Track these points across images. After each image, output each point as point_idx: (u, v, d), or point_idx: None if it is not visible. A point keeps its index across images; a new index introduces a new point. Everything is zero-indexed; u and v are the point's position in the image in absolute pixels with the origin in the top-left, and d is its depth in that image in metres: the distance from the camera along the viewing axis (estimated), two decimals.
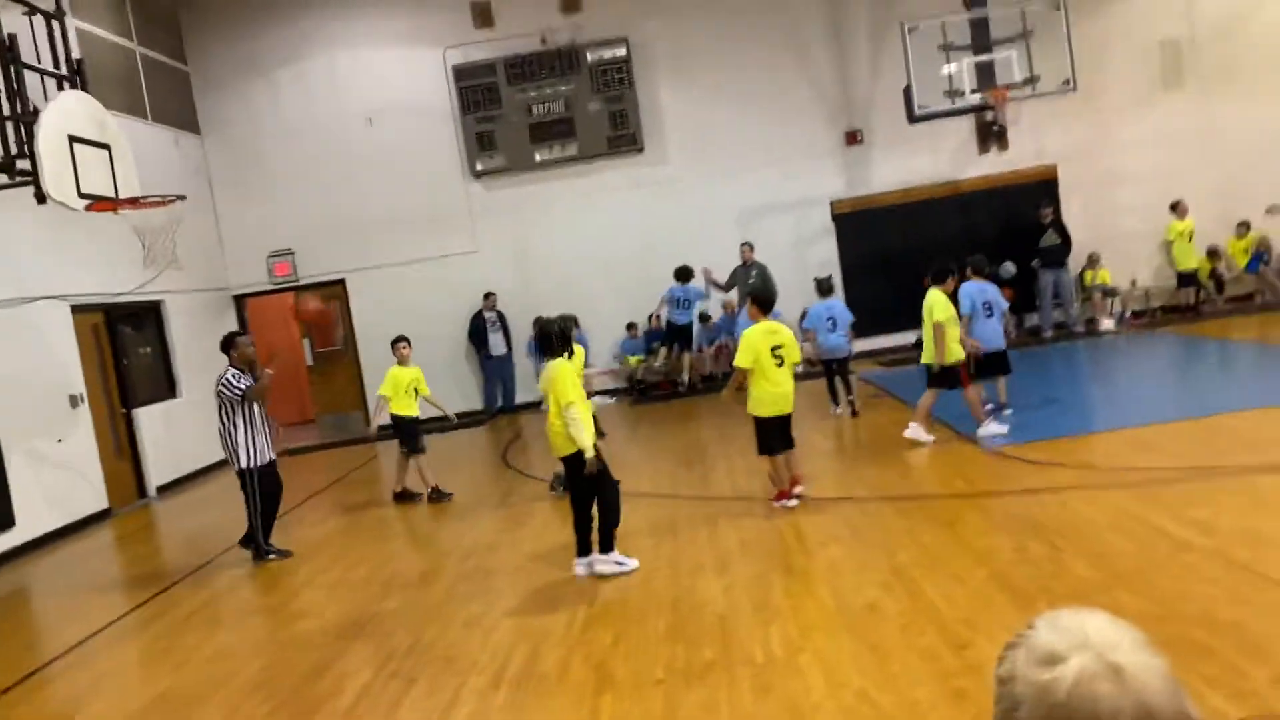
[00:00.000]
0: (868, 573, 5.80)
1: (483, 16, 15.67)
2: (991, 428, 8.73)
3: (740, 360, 7.50)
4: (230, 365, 8.26)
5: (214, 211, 15.97)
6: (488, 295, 15.67)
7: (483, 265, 15.82)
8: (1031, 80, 12.79)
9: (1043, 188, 15.30)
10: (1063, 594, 4.93)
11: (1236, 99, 15.22)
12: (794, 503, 7.53)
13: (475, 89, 15.54)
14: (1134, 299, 15.44)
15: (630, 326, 15.52)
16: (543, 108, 15.51)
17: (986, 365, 9.23)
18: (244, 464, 8.19)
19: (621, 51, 15.42)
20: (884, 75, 15.06)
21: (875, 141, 15.60)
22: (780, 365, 7.44)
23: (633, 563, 6.57)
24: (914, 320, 14.96)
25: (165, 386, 13.81)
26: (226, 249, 16.06)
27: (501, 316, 15.72)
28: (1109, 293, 15.24)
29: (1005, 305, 9.81)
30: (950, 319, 8.82)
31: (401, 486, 10.13)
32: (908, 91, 13.06)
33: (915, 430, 9.01)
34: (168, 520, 11.62)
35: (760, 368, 7.40)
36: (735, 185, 15.55)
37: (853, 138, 15.65)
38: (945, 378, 8.87)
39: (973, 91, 12.84)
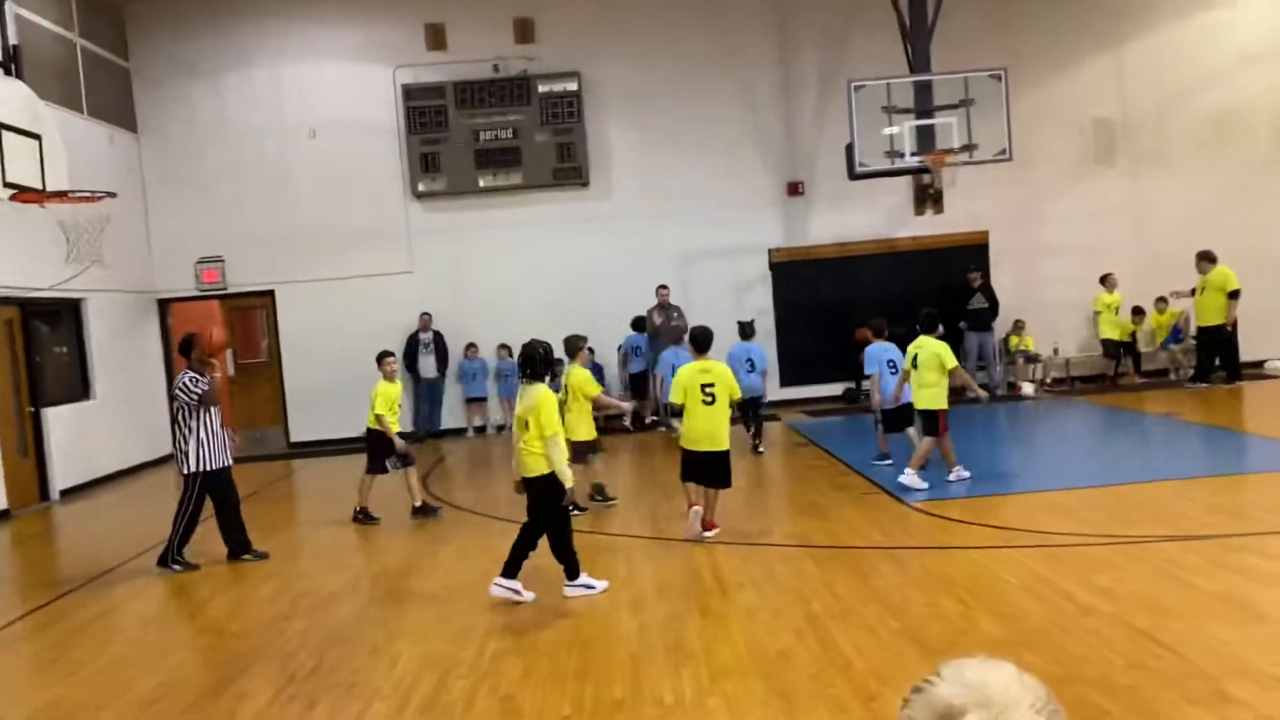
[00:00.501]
0: (782, 619, 5.82)
1: (436, 38, 15.66)
2: (915, 479, 8.86)
3: (672, 396, 7.82)
4: (187, 368, 8.05)
5: (145, 212, 15.63)
6: (423, 315, 15.53)
7: (418, 286, 15.68)
8: (969, 147, 13.14)
9: (974, 252, 15.70)
10: (971, 650, 4.97)
11: (1164, 180, 15.85)
12: (713, 533, 7.79)
13: (423, 110, 15.49)
14: (1054, 366, 15.87)
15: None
16: (490, 134, 15.50)
17: (890, 418, 9.80)
18: (192, 468, 7.97)
19: (573, 85, 15.51)
20: (828, 131, 15.37)
21: (816, 194, 15.88)
22: (711, 403, 7.64)
23: (602, 584, 6.60)
24: (843, 372, 15.35)
25: (79, 387, 13.39)
26: (154, 251, 15.70)
27: (438, 338, 15.57)
28: (1031, 358, 15.64)
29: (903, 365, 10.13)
30: (938, 367, 8.93)
31: (364, 505, 9.64)
32: (850, 148, 13.33)
33: (911, 478, 8.94)
34: (70, 525, 11.22)
35: (689, 404, 7.64)
36: (677, 227, 15.68)
37: (794, 189, 15.91)
38: (936, 420, 8.97)
39: (912, 154, 13.13)
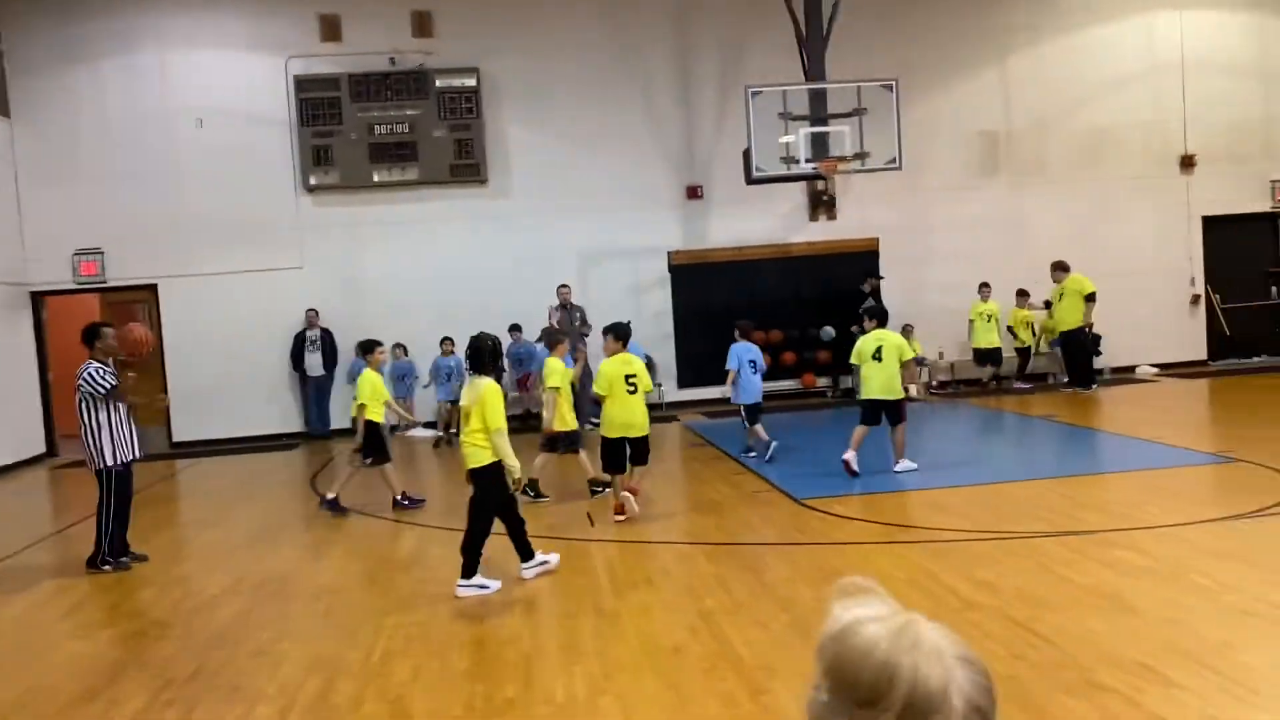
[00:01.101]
0: (676, 616, 5.85)
1: (330, 29, 15.32)
2: (908, 464, 9.57)
3: (597, 388, 8.50)
4: (91, 358, 7.65)
5: (17, 201, 14.89)
6: (309, 312, 15.14)
7: (308, 282, 15.30)
8: (861, 155, 13.45)
9: (866, 258, 16.07)
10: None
11: (1043, 192, 16.50)
12: (622, 518, 8.29)
13: (316, 102, 15.12)
14: (940, 370, 16.36)
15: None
16: (385, 128, 15.22)
17: (751, 413, 10.69)
18: (107, 462, 7.59)
19: (472, 81, 15.35)
20: (726, 135, 15.55)
21: (714, 198, 16.05)
22: (633, 392, 8.38)
23: (494, 584, 6.57)
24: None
25: None
26: (27, 242, 14.97)
27: (326, 336, 15.19)
28: (919, 362, 16.07)
29: (764, 366, 10.98)
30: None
31: (401, 492, 9.66)
32: (747, 154, 13.51)
33: (906, 463, 9.55)
34: None
35: (614, 395, 8.36)
36: (576, 226, 15.65)
37: (693, 192, 16.05)
38: (899, 409, 9.52)
39: (807, 160, 13.38)
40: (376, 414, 9.51)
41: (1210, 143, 16.85)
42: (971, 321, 15.79)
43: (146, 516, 10.19)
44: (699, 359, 15.77)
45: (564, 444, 9.41)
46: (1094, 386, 14.60)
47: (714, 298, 15.71)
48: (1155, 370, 16.46)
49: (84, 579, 7.64)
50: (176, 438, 15.28)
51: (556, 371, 9.33)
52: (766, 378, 11.02)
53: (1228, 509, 7.42)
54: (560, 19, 15.66)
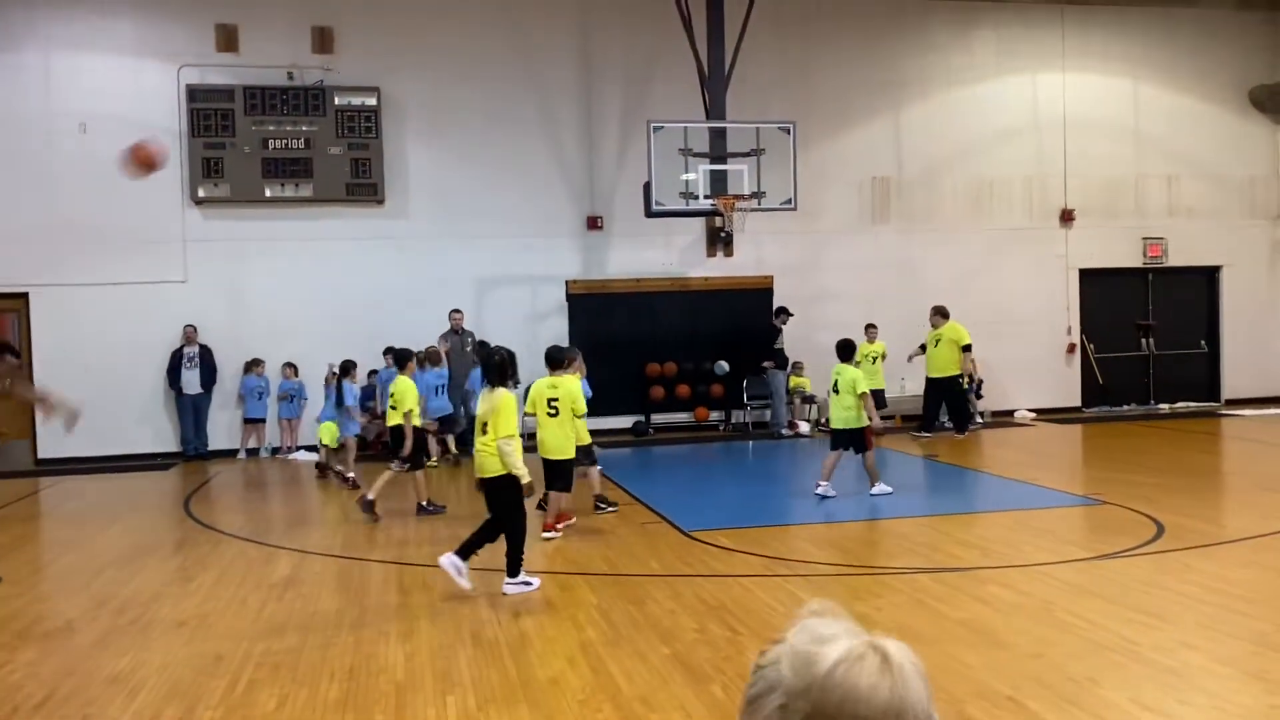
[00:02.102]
0: (555, 646, 5.77)
1: (227, 40, 14.94)
2: (883, 487, 10.03)
3: (528, 408, 8.73)
4: None
5: None
6: (187, 328, 14.60)
7: (192, 297, 14.79)
8: (758, 194, 13.70)
9: (761, 295, 16.32)
10: (736, 675, 5.10)
11: (931, 239, 17.05)
12: (555, 535, 8.64)
13: (208, 113, 14.70)
14: (827, 408, 16.61)
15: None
16: (280, 143, 14.87)
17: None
18: None
19: (372, 100, 15.14)
20: (628, 168, 15.66)
21: (614, 229, 16.11)
22: (554, 415, 8.59)
23: (536, 581, 6.99)
24: (634, 404, 15.60)
25: None
26: None
27: (205, 352, 14.66)
28: (807, 399, 16.36)
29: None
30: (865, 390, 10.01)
31: (426, 499, 10.11)
32: (647, 187, 13.63)
33: (880, 487, 10.09)
34: None
35: (539, 416, 8.64)
36: (474, 251, 15.51)
37: (593, 222, 16.09)
38: (862, 438, 9.97)
39: (706, 197, 13.57)
40: (416, 419, 10.02)
41: (1088, 199, 17.68)
42: (858, 363, 15.77)
43: (3, 536, 9.66)
44: (596, 390, 15.70)
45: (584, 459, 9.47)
46: (967, 431, 14.91)
47: (612, 328, 15.73)
48: (1032, 415, 17.07)
49: None
50: (41, 454, 14.53)
51: (409, 393, 9.86)
52: (660, 409, 11.00)
53: (1094, 549, 7.71)
54: (465, 44, 15.60)
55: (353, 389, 11.67)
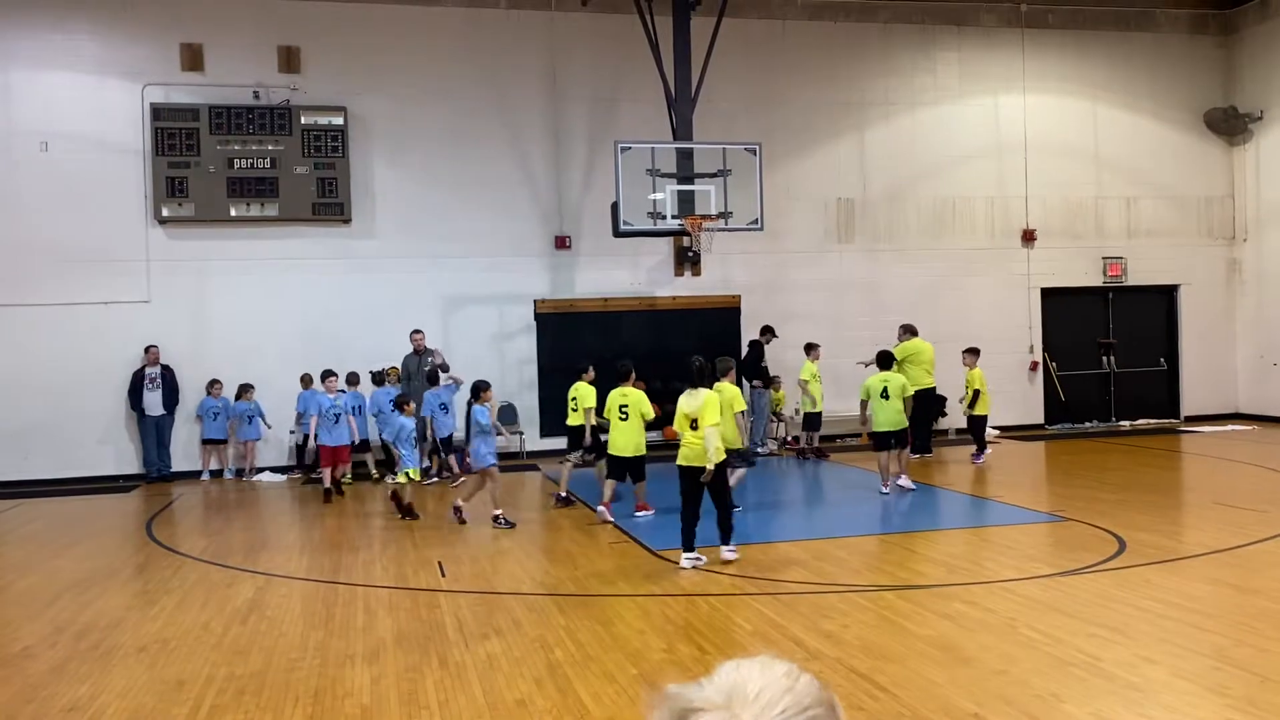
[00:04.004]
0: (523, 668, 5.75)
1: (192, 59, 14.84)
2: (908, 480, 11.75)
3: (605, 413, 10.32)
4: None
5: None
6: (149, 349, 14.43)
7: (154, 317, 14.62)
8: (725, 214, 13.78)
9: (728, 314, 16.39)
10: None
11: (894, 259, 17.22)
12: (648, 514, 10.22)
13: (173, 131, 14.57)
14: (795, 426, 16.68)
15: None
16: (246, 162, 14.78)
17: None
18: None
19: (339, 120, 15.09)
20: (595, 188, 15.71)
21: (581, 249, 16.14)
22: (625, 419, 10.10)
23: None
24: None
25: None
26: None
27: (167, 373, 14.48)
28: (780, 416, 16.42)
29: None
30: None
31: (566, 490, 11.31)
32: (615, 207, 13.67)
33: (905, 479, 11.68)
34: None
35: (612, 420, 10.18)
36: (442, 271, 15.47)
37: (561, 242, 16.11)
38: (906, 436, 11.67)
39: (673, 216, 13.63)
40: (576, 418, 11.08)
41: (1049, 219, 17.95)
42: (805, 382, 15.47)
43: None
44: (562, 408, 15.70)
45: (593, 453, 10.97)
46: (931, 452, 14.91)
47: (580, 346, 15.67)
48: (995, 433, 17.20)
49: None
50: None
51: (590, 395, 11.08)
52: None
53: (1057, 565, 7.80)
54: (432, 64, 15.60)
55: (484, 411, 10.45)
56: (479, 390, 10.56)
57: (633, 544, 9.11)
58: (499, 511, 10.22)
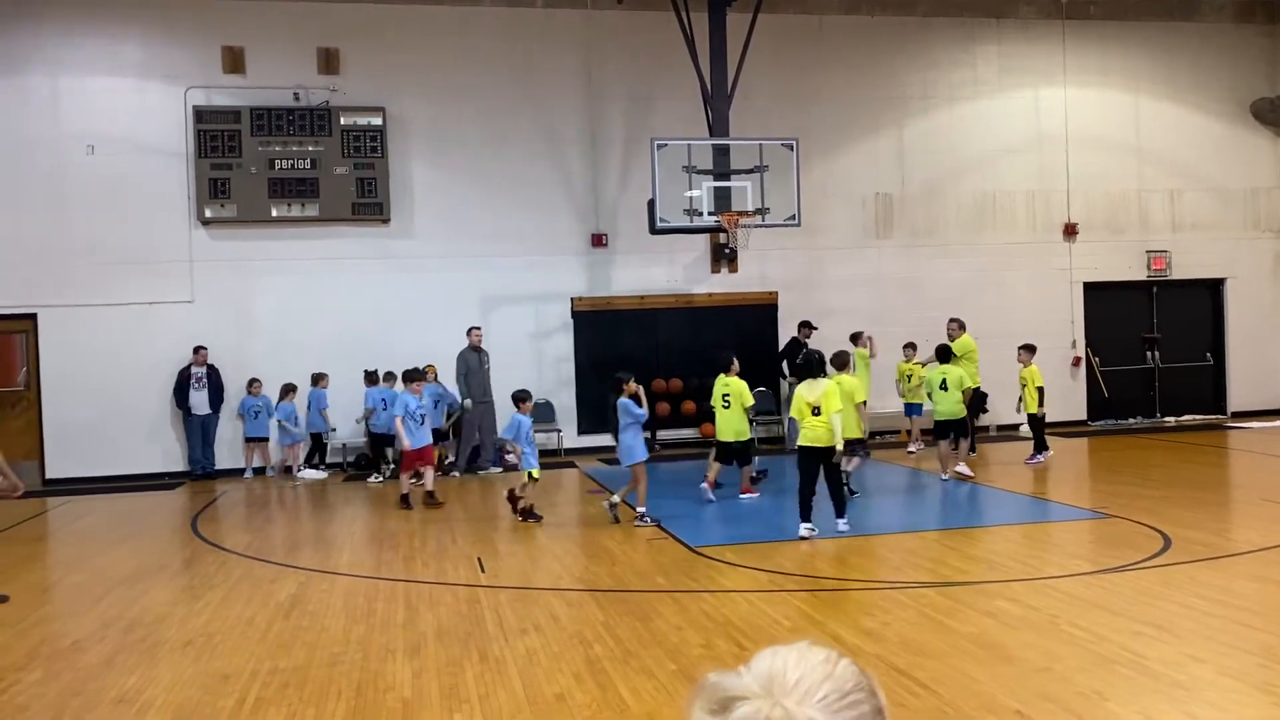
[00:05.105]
0: (562, 663, 5.77)
1: (233, 62, 15.05)
2: (966, 468, 12.10)
3: (712, 402, 11.13)
4: None
5: None
6: (197, 349, 14.66)
7: (198, 317, 14.85)
8: (762, 210, 13.74)
9: (765, 311, 16.35)
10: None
11: (934, 254, 17.07)
12: (754, 495, 11.03)
13: (215, 134, 14.79)
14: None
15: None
16: (287, 163, 14.97)
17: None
18: None
19: (378, 120, 15.23)
20: (632, 185, 15.73)
21: (618, 247, 16.17)
22: (726, 407, 10.88)
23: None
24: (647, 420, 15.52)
25: None
26: None
27: (213, 372, 14.72)
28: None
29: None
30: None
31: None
32: (652, 204, 13.68)
33: (963, 467, 12.18)
34: None
35: (716, 407, 11.01)
36: (480, 270, 15.57)
37: (598, 240, 16.15)
38: (964, 426, 12.26)
39: (710, 213, 13.61)
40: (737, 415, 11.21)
41: (1091, 213, 17.71)
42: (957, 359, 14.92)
43: (10, 555, 9.70)
44: (599, 406, 15.74)
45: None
46: (974, 450, 14.65)
47: (617, 344, 15.75)
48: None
49: None
50: (50, 474, 14.57)
51: (746, 391, 11.17)
52: (667, 426, 11.31)
53: (1100, 563, 7.70)
54: (467, 63, 15.70)
55: (632, 406, 10.09)
56: (520, 400, 10.49)
57: (671, 540, 9.11)
58: (643, 509, 9.83)
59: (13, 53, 14.57)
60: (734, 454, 11.05)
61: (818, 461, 8.84)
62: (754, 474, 11.46)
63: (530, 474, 10.33)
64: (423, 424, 11.87)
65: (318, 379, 14.50)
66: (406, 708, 5.15)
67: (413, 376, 12.09)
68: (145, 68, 14.90)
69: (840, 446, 8.80)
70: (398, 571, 8.40)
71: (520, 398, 10.56)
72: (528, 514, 10.26)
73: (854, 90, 16.85)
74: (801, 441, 9.00)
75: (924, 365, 14.74)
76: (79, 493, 13.64)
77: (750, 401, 11.01)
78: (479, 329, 14.70)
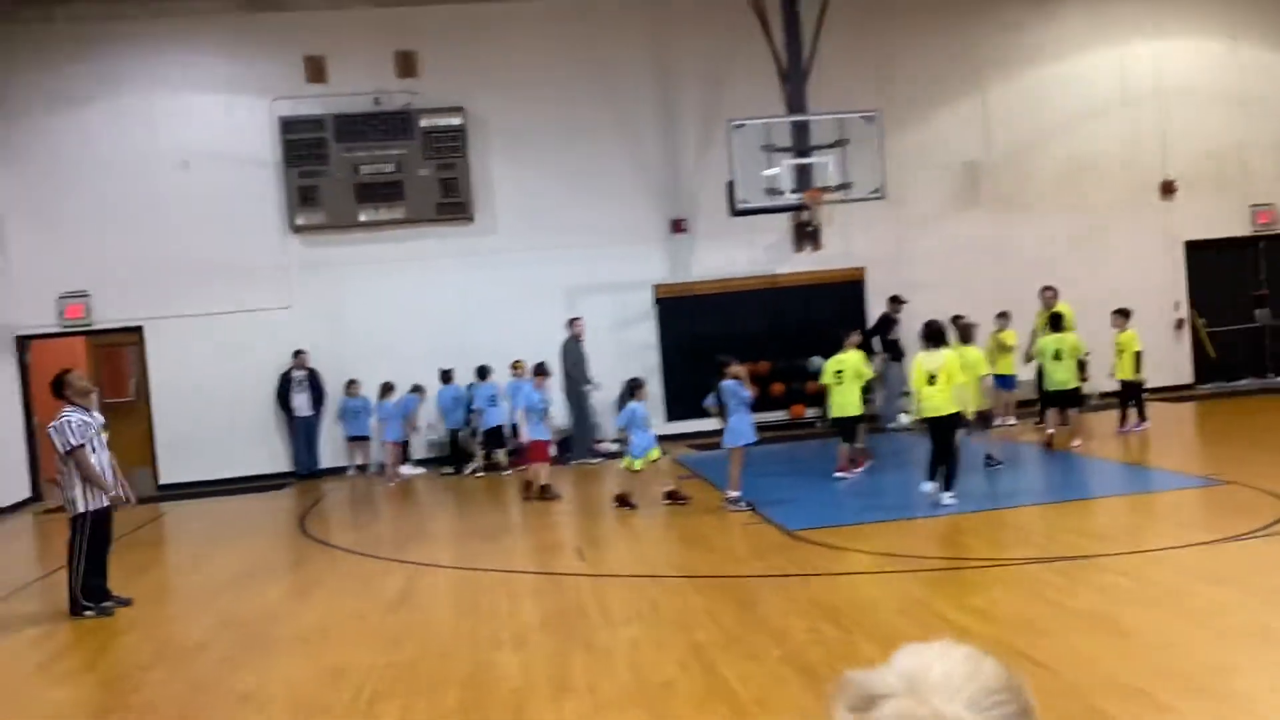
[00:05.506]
0: (666, 651, 5.78)
1: (315, 71, 15.37)
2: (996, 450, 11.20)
3: (825, 379, 11.03)
4: (66, 406, 7.56)
5: (1, 243, 14.82)
6: (297, 353, 15.07)
7: (295, 322, 15.25)
8: (845, 185, 13.51)
9: (851, 288, 16.12)
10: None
11: (1022, 220, 16.59)
12: (848, 476, 10.85)
13: (301, 143, 15.14)
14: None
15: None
16: (371, 168, 15.24)
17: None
18: (79, 508, 7.48)
19: (457, 120, 15.41)
20: (709, 168, 15.61)
21: (698, 231, 16.09)
22: (839, 383, 10.73)
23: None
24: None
25: None
26: (13, 285, 14.87)
27: (313, 375, 15.12)
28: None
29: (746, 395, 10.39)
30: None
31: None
32: (731, 186, 13.56)
33: (1077, 441, 11.93)
34: None
35: (829, 384, 10.91)
36: (561, 262, 15.66)
37: (678, 225, 16.10)
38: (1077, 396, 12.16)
39: (791, 191, 13.43)
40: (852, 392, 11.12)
41: (1190, 168, 17.00)
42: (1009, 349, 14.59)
43: (130, 560, 10.08)
44: (685, 392, 15.72)
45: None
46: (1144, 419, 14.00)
47: (701, 330, 15.69)
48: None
49: (65, 625, 7.52)
50: (163, 480, 15.15)
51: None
52: (754, 409, 10.77)
53: (1218, 532, 7.40)
54: (542, 57, 15.76)
55: (739, 388, 10.16)
56: (636, 388, 10.71)
57: (767, 525, 9.04)
58: (736, 494, 9.80)
59: (110, 75, 15.10)
60: (845, 428, 11.06)
61: (941, 430, 9.01)
62: (855, 454, 11.25)
63: (632, 463, 10.35)
64: (544, 418, 11.95)
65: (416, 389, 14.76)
66: (517, 696, 5.22)
67: (541, 370, 12.28)
68: (233, 82, 15.31)
69: (971, 411, 9.14)
70: (500, 563, 8.51)
71: (635, 385, 10.72)
72: (623, 501, 10.29)
73: (932, 56, 16.44)
74: (922, 413, 9.24)
75: (1034, 334, 14.12)
76: (191, 497, 14.15)
77: (868, 374, 11.05)
78: (580, 319, 14.83)
